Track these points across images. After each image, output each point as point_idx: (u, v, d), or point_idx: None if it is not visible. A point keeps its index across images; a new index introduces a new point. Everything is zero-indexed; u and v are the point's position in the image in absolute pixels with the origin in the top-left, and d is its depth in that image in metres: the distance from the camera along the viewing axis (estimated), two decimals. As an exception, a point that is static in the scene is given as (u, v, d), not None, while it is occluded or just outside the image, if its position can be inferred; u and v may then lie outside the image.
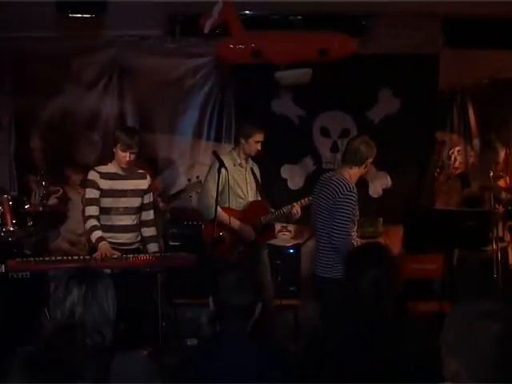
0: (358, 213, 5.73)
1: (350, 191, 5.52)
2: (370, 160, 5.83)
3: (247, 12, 7.98)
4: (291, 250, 7.73)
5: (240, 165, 6.53)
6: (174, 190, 8.21)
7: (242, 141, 6.52)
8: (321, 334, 3.65)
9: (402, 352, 3.15)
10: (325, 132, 8.57)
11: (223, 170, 6.10)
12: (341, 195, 5.48)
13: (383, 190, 8.48)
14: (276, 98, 8.56)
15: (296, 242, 7.94)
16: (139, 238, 6.34)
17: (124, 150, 5.97)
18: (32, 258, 5.95)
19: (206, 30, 7.04)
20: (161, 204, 7.45)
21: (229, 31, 7.21)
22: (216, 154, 6.29)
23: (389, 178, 8.44)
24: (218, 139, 8.60)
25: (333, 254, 5.50)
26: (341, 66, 7.58)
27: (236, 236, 6.38)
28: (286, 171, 8.61)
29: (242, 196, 6.52)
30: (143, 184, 6.26)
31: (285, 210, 6.51)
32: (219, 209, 6.11)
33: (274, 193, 7.44)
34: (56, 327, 2.79)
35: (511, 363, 2.12)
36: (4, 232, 6.73)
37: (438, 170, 8.66)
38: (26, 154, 8.89)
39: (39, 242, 7.51)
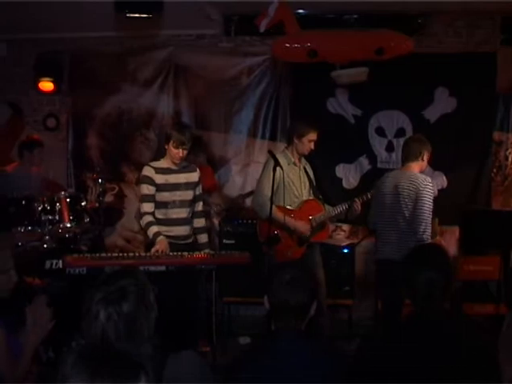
0: None
1: (429, 182, 6.09)
2: (426, 153, 6.20)
3: (302, 11, 7.96)
4: (345, 250, 7.68)
5: (294, 163, 6.50)
6: (227, 189, 8.30)
7: (296, 140, 6.49)
8: (376, 333, 3.63)
9: (458, 353, 3.11)
10: (380, 131, 8.51)
11: (278, 168, 6.08)
12: (421, 187, 6.00)
13: (439, 190, 8.35)
14: (331, 97, 8.53)
15: (350, 241, 7.90)
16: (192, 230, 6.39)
17: (177, 147, 6.00)
18: (88, 254, 6.04)
19: (262, 29, 7.04)
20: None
21: (284, 30, 7.20)
22: (271, 153, 6.28)
23: (445, 178, 8.32)
24: (273, 138, 8.62)
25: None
26: (397, 64, 7.53)
27: (291, 234, 6.37)
28: (341, 170, 8.58)
29: (297, 195, 6.50)
30: (194, 176, 6.29)
31: (339, 208, 6.48)
32: (274, 207, 6.10)
33: (328, 192, 7.40)
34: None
35: None
36: (61, 228, 6.83)
37: (494, 170, 8.51)
38: (82, 151, 9.05)
39: (95, 238, 7.59)
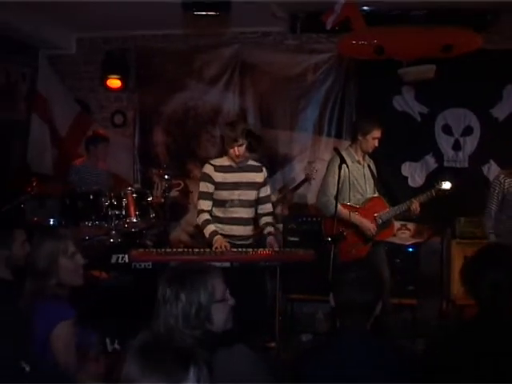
0: None
1: None
2: None
3: (369, 8, 7.90)
4: (410, 249, 7.60)
5: (358, 161, 6.47)
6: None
7: (360, 137, 6.46)
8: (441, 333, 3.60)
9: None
10: (447, 129, 8.40)
11: (344, 166, 6.05)
12: None
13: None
14: (397, 94, 8.46)
15: (416, 240, 7.81)
16: (253, 232, 6.35)
17: (231, 145, 5.99)
18: (154, 249, 6.09)
19: (328, 26, 7.02)
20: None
21: (351, 27, 7.17)
22: (337, 151, 6.25)
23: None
24: (338, 136, 8.59)
25: None
26: (464, 61, 7.43)
27: (356, 232, 6.34)
28: (406, 169, 8.51)
29: (361, 192, 6.47)
30: (259, 177, 6.22)
31: (404, 206, 6.43)
32: (339, 205, 6.07)
33: (394, 190, 7.34)
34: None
35: None
36: (127, 223, 6.92)
37: None
38: (149, 148, 9.18)
39: (160, 233, 7.67)
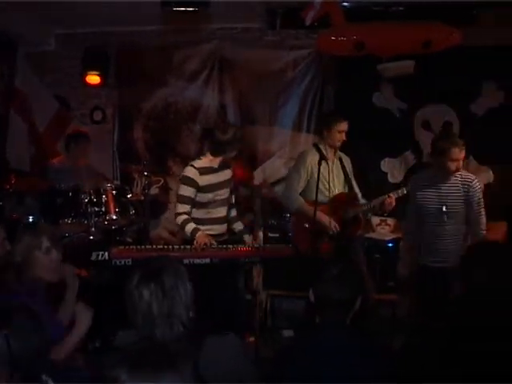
0: None
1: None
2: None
3: (349, 4, 7.90)
4: (390, 244, 7.63)
5: (326, 157, 6.35)
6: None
7: (325, 132, 6.43)
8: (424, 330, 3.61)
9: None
10: (426, 125, 8.44)
11: (309, 162, 6.07)
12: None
13: (485, 184, 8.26)
14: (377, 90, 8.49)
15: (395, 235, 7.84)
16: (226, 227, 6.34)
17: (229, 151, 5.96)
18: (134, 246, 6.07)
19: (308, 21, 7.02)
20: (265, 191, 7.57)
21: (330, 23, 7.17)
22: (317, 147, 6.25)
23: (491, 172, 8.22)
24: (318, 132, 8.53)
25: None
26: (444, 57, 7.45)
27: (321, 228, 6.31)
28: (386, 164, 8.54)
29: (328, 188, 6.43)
30: (229, 173, 6.19)
31: (374, 202, 6.41)
32: (302, 201, 6.08)
33: (373, 186, 7.36)
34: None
35: None
36: (107, 220, 6.89)
37: (544, 165, 8.40)
38: (128, 144, 9.14)
39: (140, 230, 7.65)
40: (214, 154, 5.97)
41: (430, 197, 5.94)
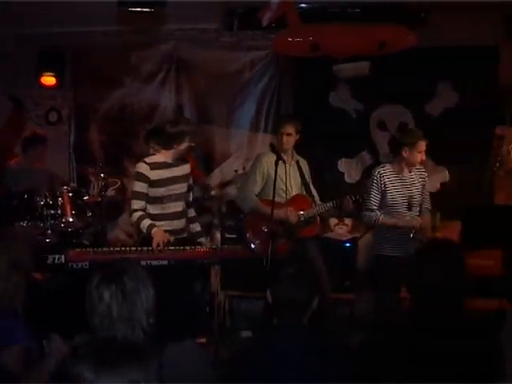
0: None
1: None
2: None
3: (305, 5, 7.94)
4: (347, 244, 7.68)
5: (281, 159, 6.34)
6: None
7: (278, 135, 6.51)
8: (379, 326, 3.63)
9: (462, 349, 3.11)
10: (382, 126, 8.51)
11: (265, 164, 6.09)
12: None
13: (441, 184, 8.37)
14: (333, 91, 8.52)
15: (352, 235, 7.89)
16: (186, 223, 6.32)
17: (173, 144, 5.92)
18: (91, 249, 6.02)
19: (264, 23, 7.05)
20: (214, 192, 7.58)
21: (287, 24, 7.19)
22: (273, 147, 6.25)
23: (447, 172, 8.32)
24: (275, 132, 8.58)
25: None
26: (399, 58, 7.52)
27: (278, 229, 6.31)
28: (343, 165, 8.58)
29: (285, 190, 6.43)
30: (187, 168, 6.16)
31: (329, 204, 6.44)
32: (258, 201, 6.10)
33: (331, 186, 7.40)
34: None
35: None
36: (64, 223, 6.84)
37: (497, 165, 8.50)
38: (85, 146, 9.06)
39: (97, 232, 7.59)
40: (165, 147, 5.95)
41: (396, 188, 6.11)
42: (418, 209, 6.10)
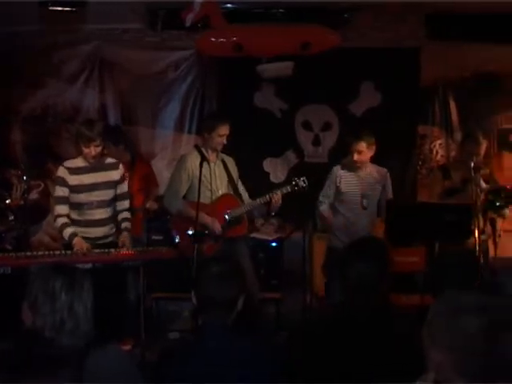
0: None
1: None
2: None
3: (229, 5, 7.95)
4: (274, 244, 7.72)
5: (207, 159, 6.31)
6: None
7: (205, 135, 6.37)
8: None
9: (386, 343, 3.15)
10: (307, 125, 8.58)
11: (190, 164, 6.11)
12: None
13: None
14: (258, 91, 8.56)
15: (279, 235, 7.93)
16: (113, 230, 6.23)
17: (87, 146, 5.83)
18: (13, 253, 5.91)
19: (188, 23, 7.01)
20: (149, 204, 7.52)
21: (210, 25, 7.19)
22: (198, 148, 6.23)
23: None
24: (199, 132, 8.56)
25: None
26: (323, 59, 7.59)
27: (204, 230, 6.28)
28: (268, 164, 8.62)
29: (211, 190, 6.41)
30: (115, 175, 6.09)
31: (257, 202, 6.43)
32: (184, 203, 6.09)
33: (257, 186, 7.41)
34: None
35: (495, 355, 2.12)
36: (-16, 227, 6.70)
37: (420, 163, 8.68)
38: (6, 147, 8.86)
39: (20, 236, 7.46)
40: (79, 149, 5.90)
41: (352, 183, 6.71)
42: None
